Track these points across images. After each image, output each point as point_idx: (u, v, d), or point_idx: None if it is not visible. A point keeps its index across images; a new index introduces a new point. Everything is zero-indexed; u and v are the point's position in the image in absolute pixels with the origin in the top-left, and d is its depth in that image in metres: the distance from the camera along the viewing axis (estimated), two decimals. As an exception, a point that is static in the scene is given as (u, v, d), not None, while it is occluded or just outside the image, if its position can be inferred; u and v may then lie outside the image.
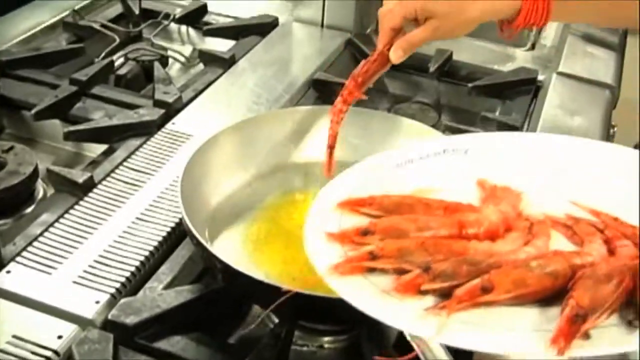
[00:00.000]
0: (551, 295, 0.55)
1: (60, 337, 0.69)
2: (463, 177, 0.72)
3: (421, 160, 0.74)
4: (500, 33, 0.85)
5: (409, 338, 0.62)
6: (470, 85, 1.18)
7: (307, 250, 0.61)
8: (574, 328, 0.50)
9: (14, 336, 0.69)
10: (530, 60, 1.31)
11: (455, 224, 0.64)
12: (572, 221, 0.66)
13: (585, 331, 0.50)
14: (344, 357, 0.78)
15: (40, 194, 0.96)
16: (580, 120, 1.12)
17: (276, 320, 0.78)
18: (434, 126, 1.01)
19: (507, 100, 1.18)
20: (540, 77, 1.23)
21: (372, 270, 0.58)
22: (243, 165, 0.89)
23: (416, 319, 0.54)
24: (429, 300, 0.55)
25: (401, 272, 0.58)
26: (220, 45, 1.30)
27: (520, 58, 1.32)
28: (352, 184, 0.71)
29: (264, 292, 0.69)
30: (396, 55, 0.82)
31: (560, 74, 1.24)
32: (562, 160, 0.73)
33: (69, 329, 0.70)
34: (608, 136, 1.14)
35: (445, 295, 0.55)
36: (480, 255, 0.59)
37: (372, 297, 0.56)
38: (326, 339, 0.78)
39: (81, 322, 0.71)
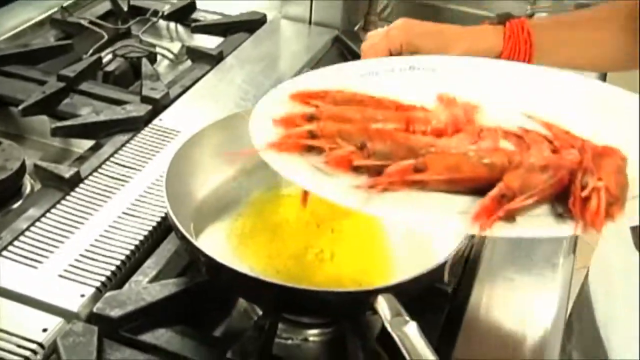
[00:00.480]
0: (487, 187, 0.53)
1: (45, 330, 0.70)
2: (425, 93, 0.70)
3: (386, 74, 0.73)
4: None
5: (390, 329, 0.63)
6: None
7: (250, 130, 0.60)
8: (498, 206, 0.49)
9: (-1, 329, 0.70)
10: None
11: (403, 119, 0.62)
12: (522, 132, 0.64)
13: (510, 212, 0.49)
14: (328, 350, 0.79)
15: (27, 189, 0.96)
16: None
17: (260, 313, 0.79)
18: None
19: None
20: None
21: (310, 149, 0.57)
22: (229, 160, 0.89)
23: (346, 191, 0.52)
24: (363, 179, 0.54)
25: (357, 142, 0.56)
26: (209, 42, 1.30)
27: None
28: (312, 83, 0.70)
29: (248, 285, 0.70)
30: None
31: (546, 70, 1.24)
32: (528, 85, 0.72)
33: (54, 322, 0.71)
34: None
35: (379, 174, 0.54)
36: (422, 145, 0.57)
37: (305, 171, 0.55)
38: (311, 332, 0.79)
39: (66, 315, 0.72)
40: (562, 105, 0.69)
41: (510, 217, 0.49)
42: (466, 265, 0.84)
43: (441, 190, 0.53)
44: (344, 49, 1.28)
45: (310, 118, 0.60)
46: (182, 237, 0.72)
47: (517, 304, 0.80)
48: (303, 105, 0.65)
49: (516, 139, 0.63)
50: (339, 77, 0.72)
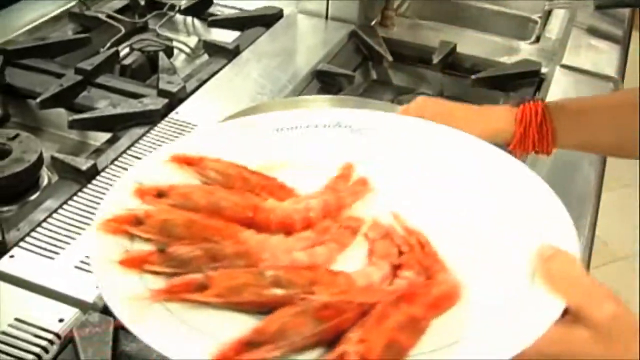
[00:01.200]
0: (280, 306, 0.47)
1: (61, 320, 0.70)
2: (337, 155, 0.63)
3: (304, 129, 0.66)
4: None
5: None
6: (473, 77, 1.19)
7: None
8: (243, 353, 0.42)
9: (16, 319, 0.70)
10: (535, 53, 1.31)
11: (251, 207, 0.56)
12: (383, 234, 0.56)
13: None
14: None
15: (45, 181, 0.97)
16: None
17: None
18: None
19: (510, 92, 1.18)
20: (543, 70, 1.23)
21: (132, 237, 0.52)
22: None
23: (123, 299, 0.47)
24: (159, 281, 0.48)
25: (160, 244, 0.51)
26: (225, 36, 1.30)
27: (525, 50, 1.32)
28: (211, 139, 0.65)
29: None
30: None
31: (564, 66, 1.24)
32: (436, 153, 0.64)
33: (70, 313, 0.71)
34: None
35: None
36: (252, 246, 0.52)
37: (104, 264, 0.50)
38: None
39: (82, 305, 0.72)
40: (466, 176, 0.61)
41: None
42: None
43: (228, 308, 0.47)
44: (360, 44, 1.28)
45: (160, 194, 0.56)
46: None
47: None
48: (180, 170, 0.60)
49: (372, 243, 0.56)
50: (249, 132, 0.66)
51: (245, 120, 0.69)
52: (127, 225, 0.52)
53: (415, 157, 0.63)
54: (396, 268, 0.53)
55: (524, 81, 1.20)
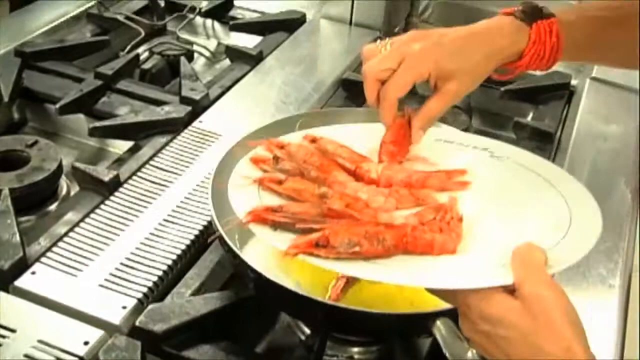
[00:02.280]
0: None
1: (86, 343, 0.67)
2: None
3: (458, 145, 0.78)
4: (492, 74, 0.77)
5: (449, 356, 0.60)
6: (502, 89, 1.15)
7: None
8: (311, 248, 0.56)
9: (40, 341, 0.67)
10: (563, 64, 1.27)
11: (355, 162, 0.72)
12: (435, 207, 0.68)
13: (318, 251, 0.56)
14: (373, 369, 0.76)
15: (64, 190, 0.94)
16: (615, 127, 1.10)
17: (306, 331, 0.76)
18: (465, 130, 0.99)
19: (539, 105, 1.15)
20: (573, 82, 1.20)
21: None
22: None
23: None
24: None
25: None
26: (246, 41, 1.27)
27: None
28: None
29: (298, 303, 0.67)
30: (419, 137, 0.75)
31: (594, 79, 1.21)
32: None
33: (95, 335, 0.68)
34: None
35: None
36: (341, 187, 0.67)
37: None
38: (356, 349, 0.76)
39: (108, 327, 0.69)
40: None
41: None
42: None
43: None
44: (385, 51, 1.25)
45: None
46: (230, 251, 0.70)
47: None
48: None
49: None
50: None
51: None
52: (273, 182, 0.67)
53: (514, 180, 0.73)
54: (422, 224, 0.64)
55: (555, 94, 1.17)
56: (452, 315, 0.65)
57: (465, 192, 0.70)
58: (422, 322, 0.64)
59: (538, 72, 1.18)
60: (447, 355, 0.61)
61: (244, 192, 0.66)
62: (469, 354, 0.60)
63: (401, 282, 0.58)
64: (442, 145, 0.77)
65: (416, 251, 0.60)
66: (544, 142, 1.04)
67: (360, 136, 0.78)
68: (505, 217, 0.67)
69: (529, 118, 1.14)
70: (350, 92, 1.12)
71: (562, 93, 1.17)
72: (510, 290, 0.54)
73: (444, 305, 0.70)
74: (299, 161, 0.71)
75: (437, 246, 0.60)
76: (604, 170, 0.99)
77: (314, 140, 0.76)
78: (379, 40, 0.75)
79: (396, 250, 0.59)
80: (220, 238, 0.72)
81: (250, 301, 0.73)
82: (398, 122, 0.75)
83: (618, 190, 0.96)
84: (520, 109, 1.16)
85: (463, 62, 0.72)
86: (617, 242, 0.87)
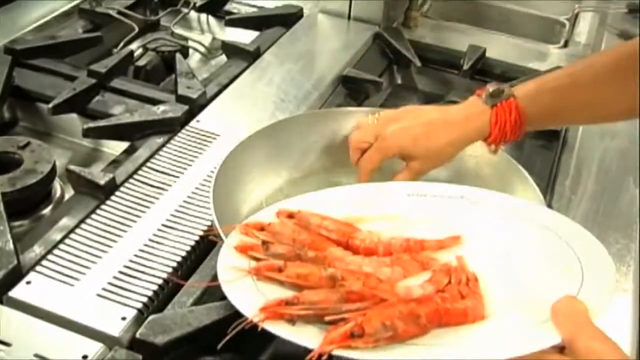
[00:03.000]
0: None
1: (85, 357, 0.64)
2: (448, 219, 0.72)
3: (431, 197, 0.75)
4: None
5: None
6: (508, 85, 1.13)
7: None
8: (347, 340, 0.53)
9: (36, 355, 0.64)
10: (564, 58, 1.26)
11: (347, 234, 0.69)
12: (445, 269, 0.64)
13: (352, 344, 0.53)
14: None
15: (57, 193, 0.91)
16: (622, 124, 1.07)
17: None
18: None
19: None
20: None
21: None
22: (275, 170, 0.84)
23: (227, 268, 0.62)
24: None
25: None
26: (242, 36, 1.24)
27: (554, 55, 1.27)
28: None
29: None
30: None
31: (599, 74, 1.18)
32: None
33: (94, 348, 0.65)
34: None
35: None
36: (330, 253, 0.65)
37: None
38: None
39: (107, 340, 0.66)
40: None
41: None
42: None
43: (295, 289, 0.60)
44: (385, 46, 1.22)
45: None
46: (234, 259, 0.67)
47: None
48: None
49: (432, 273, 0.64)
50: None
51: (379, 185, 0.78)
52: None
53: (506, 227, 0.70)
54: (438, 292, 0.61)
55: (558, 90, 1.14)
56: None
57: (463, 248, 0.68)
58: None
59: (539, 67, 1.19)
60: None
61: (238, 287, 0.61)
62: None
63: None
64: (416, 200, 0.75)
65: (451, 323, 0.57)
66: (550, 141, 1.02)
67: (335, 199, 0.75)
68: (512, 268, 0.65)
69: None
70: (350, 89, 1.10)
71: (566, 89, 1.15)
72: (561, 348, 0.53)
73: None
74: (288, 242, 0.66)
75: (471, 313, 0.58)
76: (612, 170, 0.97)
77: (291, 216, 0.70)
78: (372, 115, 0.87)
79: (431, 325, 0.56)
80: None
81: (255, 310, 0.70)
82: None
83: (628, 190, 0.94)
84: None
85: (426, 149, 0.81)
86: (629, 244, 0.85)
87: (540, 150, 1.02)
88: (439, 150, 0.81)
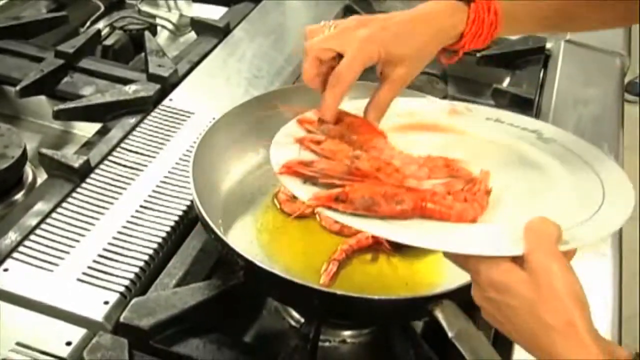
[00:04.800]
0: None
1: (69, 343, 0.63)
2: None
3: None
4: (439, 59, 0.76)
5: (456, 342, 0.58)
6: (478, 55, 1.13)
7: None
8: (330, 202, 0.57)
9: (18, 343, 0.63)
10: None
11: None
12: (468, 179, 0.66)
13: (336, 205, 0.57)
14: (367, 352, 0.74)
15: (29, 178, 0.89)
16: (594, 91, 1.08)
17: (295, 315, 0.73)
18: (443, 98, 0.96)
19: (516, 71, 1.13)
20: (548, 45, 1.17)
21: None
22: (253, 147, 0.83)
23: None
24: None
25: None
26: (211, 12, 1.22)
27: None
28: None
29: (292, 291, 0.64)
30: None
31: (569, 42, 1.19)
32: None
33: (78, 334, 0.64)
34: (623, 105, 1.09)
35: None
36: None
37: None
38: (348, 332, 0.74)
39: (90, 325, 0.65)
40: None
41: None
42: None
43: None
44: (356, 19, 1.21)
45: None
46: (217, 239, 0.66)
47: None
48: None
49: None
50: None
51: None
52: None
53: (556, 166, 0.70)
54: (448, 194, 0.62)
55: (530, 58, 1.14)
56: (453, 297, 0.62)
57: (501, 167, 0.68)
58: (423, 305, 0.62)
59: (512, 37, 1.18)
60: (452, 338, 0.59)
61: (285, 149, 0.65)
62: (476, 337, 0.58)
63: (411, 242, 0.56)
64: (492, 124, 0.75)
65: (434, 216, 0.59)
66: (524, 109, 1.02)
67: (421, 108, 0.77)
68: (536, 194, 0.65)
69: (506, 84, 1.12)
70: (323, 63, 1.08)
71: (537, 57, 1.15)
72: (520, 261, 0.53)
73: (441, 287, 0.68)
74: (342, 125, 0.68)
75: (455, 213, 0.59)
76: (587, 137, 0.97)
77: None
78: (323, 22, 0.73)
79: (413, 213, 0.59)
80: (205, 224, 0.68)
81: (239, 290, 0.70)
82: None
83: (602, 156, 0.94)
84: (497, 75, 1.14)
85: (410, 46, 0.71)
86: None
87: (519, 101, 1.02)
88: (423, 47, 0.71)
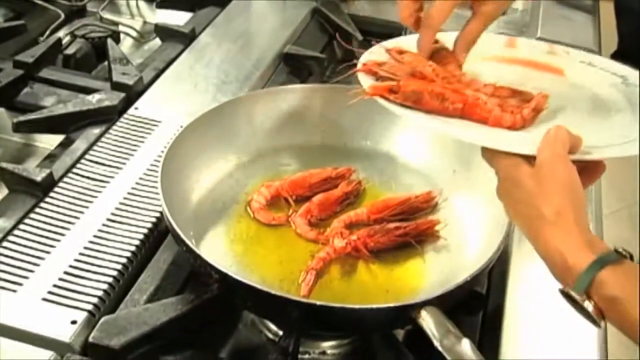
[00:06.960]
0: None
1: (35, 368, 0.60)
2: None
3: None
4: None
5: (441, 349, 0.56)
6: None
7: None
8: (384, 92, 0.65)
9: (-19, 369, 0.60)
10: (503, 26, 1.24)
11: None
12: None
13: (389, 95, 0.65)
14: (348, 363, 0.72)
15: (-11, 194, 0.85)
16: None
17: (273, 328, 0.71)
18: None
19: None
20: (518, 43, 1.16)
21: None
22: (223, 155, 0.80)
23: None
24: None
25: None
26: (175, 18, 1.19)
27: (493, 24, 1.25)
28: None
29: (270, 304, 0.61)
30: (462, 60, 0.74)
31: (541, 39, 1.17)
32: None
33: (45, 357, 0.61)
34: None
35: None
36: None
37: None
38: (328, 344, 0.72)
39: (58, 347, 0.62)
40: None
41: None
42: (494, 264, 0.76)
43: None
44: (324, 22, 1.19)
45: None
46: (190, 251, 0.64)
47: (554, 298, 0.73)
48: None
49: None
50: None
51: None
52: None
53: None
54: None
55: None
56: (436, 304, 0.60)
57: (564, 99, 0.71)
58: (407, 313, 0.59)
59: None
60: (438, 346, 0.57)
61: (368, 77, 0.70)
62: (464, 347, 0.56)
63: (442, 130, 0.65)
64: (583, 67, 0.78)
65: (473, 117, 0.65)
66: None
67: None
68: (583, 123, 0.66)
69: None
70: (292, 67, 1.06)
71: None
72: (535, 160, 0.58)
73: (423, 292, 0.67)
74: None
75: (493, 117, 0.64)
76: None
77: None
78: None
79: (454, 112, 0.65)
80: (176, 236, 0.65)
81: (213, 302, 0.67)
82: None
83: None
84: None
85: None
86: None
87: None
88: None
